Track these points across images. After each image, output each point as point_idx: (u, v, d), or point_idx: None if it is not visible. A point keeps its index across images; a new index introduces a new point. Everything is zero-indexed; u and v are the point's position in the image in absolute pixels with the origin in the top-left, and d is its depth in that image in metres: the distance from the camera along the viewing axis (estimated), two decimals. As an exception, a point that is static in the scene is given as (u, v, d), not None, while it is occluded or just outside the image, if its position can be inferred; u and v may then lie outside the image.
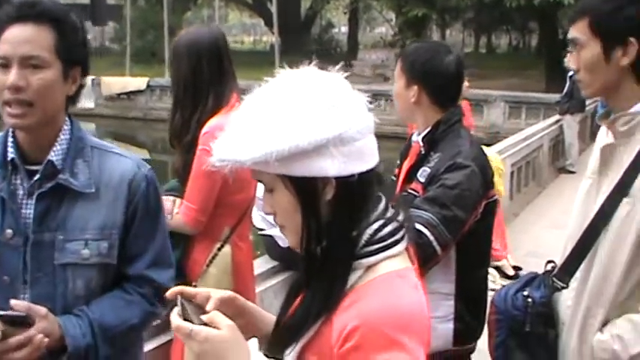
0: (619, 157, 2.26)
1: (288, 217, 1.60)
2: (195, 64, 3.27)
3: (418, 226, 2.65)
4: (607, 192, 2.26)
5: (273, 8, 30.37)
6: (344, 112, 1.51)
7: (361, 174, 1.54)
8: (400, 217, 1.62)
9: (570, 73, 14.11)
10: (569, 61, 2.35)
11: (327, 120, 1.49)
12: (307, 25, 45.27)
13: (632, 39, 2.16)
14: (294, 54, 31.11)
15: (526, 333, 2.42)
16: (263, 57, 34.44)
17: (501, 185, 7.19)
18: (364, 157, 1.55)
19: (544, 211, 9.84)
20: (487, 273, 3.21)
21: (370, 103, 1.58)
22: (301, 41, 41.38)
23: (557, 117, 13.87)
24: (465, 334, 2.96)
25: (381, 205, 1.61)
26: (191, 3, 46.66)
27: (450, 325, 2.92)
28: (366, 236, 1.55)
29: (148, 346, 3.18)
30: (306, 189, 1.54)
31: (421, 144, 2.96)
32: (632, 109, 2.23)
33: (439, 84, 2.93)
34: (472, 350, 3.07)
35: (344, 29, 56.74)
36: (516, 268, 7.46)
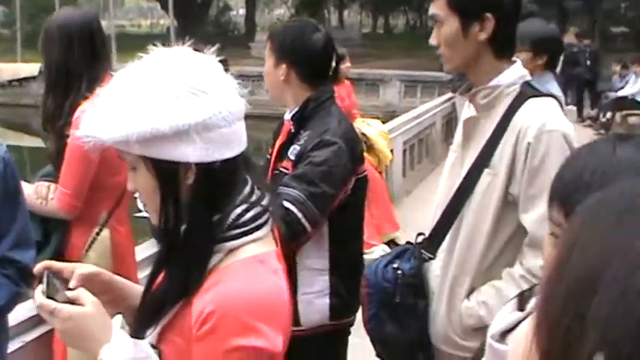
0: (480, 129, 2.35)
1: (148, 197, 1.60)
2: (67, 47, 3.21)
3: (286, 204, 2.68)
4: (470, 164, 2.35)
5: (169, -10, 29.97)
6: (210, 99, 1.51)
7: (225, 160, 1.54)
8: (265, 201, 1.64)
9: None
10: (432, 37, 2.39)
11: (191, 106, 1.48)
12: (204, 8, 44.69)
13: (488, 14, 2.24)
14: (190, 37, 30.65)
15: (396, 304, 2.48)
16: (160, 40, 33.50)
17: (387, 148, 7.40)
18: (230, 143, 1.55)
19: (437, 187, 9.82)
20: (361, 247, 3.26)
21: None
22: (198, 24, 40.84)
23: (450, 95, 14.11)
24: (342, 308, 2.99)
25: (247, 189, 1.62)
26: (84, -15, 45.60)
27: (327, 300, 2.96)
28: (228, 220, 1.56)
29: (31, 336, 3.14)
30: (166, 172, 1.54)
31: (291, 122, 3.00)
32: (492, 83, 2.31)
33: (307, 62, 2.97)
34: (351, 323, 3.11)
35: (242, 11, 56.42)
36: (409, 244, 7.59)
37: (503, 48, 2.33)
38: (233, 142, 1.56)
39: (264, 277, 1.55)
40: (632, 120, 16.49)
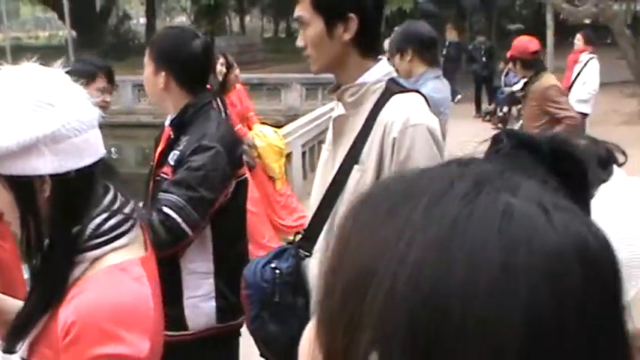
0: (350, 126, 2.39)
1: (9, 213, 1.59)
2: None
3: (165, 209, 2.70)
4: (341, 161, 2.39)
5: (65, 1, 29.34)
6: (57, 111, 1.50)
7: (80, 169, 1.54)
8: (128, 209, 1.65)
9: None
10: (299, 39, 2.43)
11: (37, 120, 1.48)
12: (103, 18, 43.95)
13: (351, 14, 2.28)
14: (89, 48, 30.25)
15: (276, 303, 2.49)
16: (58, 52, 33.07)
17: (276, 162, 7.38)
18: (83, 153, 1.55)
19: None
20: (246, 249, 3.29)
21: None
22: (97, 34, 40.23)
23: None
24: (229, 310, 3.01)
25: (108, 197, 1.62)
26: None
27: (213, 303, 2.98)
28: (89, 230, 1.56)
29: None
30: (21, 187, 1.53)
31: (170, 128, 3.02)
32: (358, 81, 2.36)
33: (186, 68, 2.97)
34: (240, 326, 3.11)
35: (142, 20, 55.73)
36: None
37: (368, 47, 2.37)
38: (86, 151, 1.56)
39: (126, 284, 1.55)
40: (527, 114, 17.00)
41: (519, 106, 16.76)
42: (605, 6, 15.34)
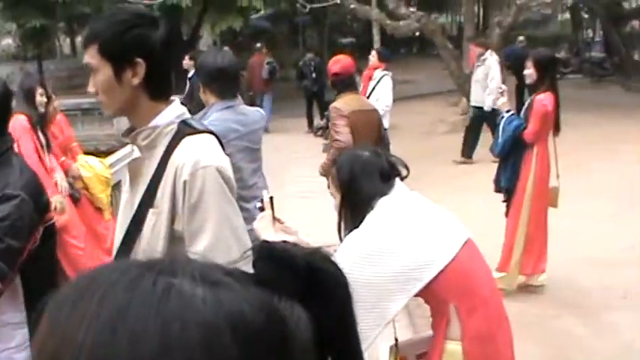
0: (145, 170, 2.41)
1: None
2: None
3: None
4: (137, 204, 2.41)
5: None
6: None
7: None
8: None
9: (190, 75, 14.54)
10: (90, 85, 2.41)
11: None
12: None
13: (139, 59, 2.30)
14: None
15: None
16: None
17: (103, 193, 7.27)
18: None
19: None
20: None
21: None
22: None
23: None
24: None
25: None
26: None
27: (27, 353, 2.92)
28: None
29: None
30: None
31: None
32: (151, 124, 2.38)
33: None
34: None
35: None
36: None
37: (158, 90, 2.40)
38: None
39: None
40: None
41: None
42: (427, 21, 16.01)
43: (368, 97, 10.42)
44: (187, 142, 2.36)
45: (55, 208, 6.57)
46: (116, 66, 2.31)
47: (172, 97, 2.49)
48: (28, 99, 6.45)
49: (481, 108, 12.79)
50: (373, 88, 10.85)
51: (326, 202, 6.19)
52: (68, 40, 52.19)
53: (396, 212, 3.10)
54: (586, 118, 16.46)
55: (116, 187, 8.07)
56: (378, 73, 11.05)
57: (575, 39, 34.53)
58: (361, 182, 3.14)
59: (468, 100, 14.08)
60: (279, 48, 37.28)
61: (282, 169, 12.20)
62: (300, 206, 9.63)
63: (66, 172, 6.85)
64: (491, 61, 12.83)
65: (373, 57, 11.61)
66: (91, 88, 2.41)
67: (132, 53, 2.30)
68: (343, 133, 6.18)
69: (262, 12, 22.04)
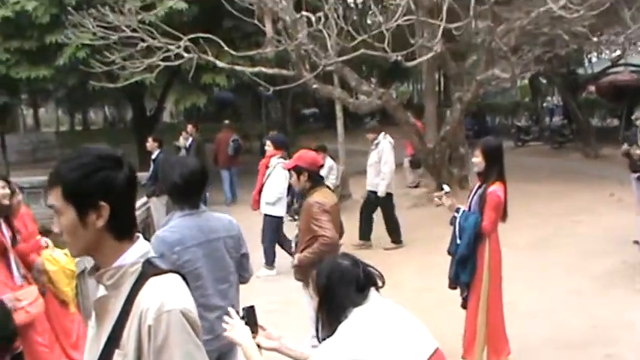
0: (111, 308, 2.40)
1: None
2: None
3: None
4: (104, 343, 2.39)
5: None
6: None
7: None
8: None
9: (153, 156, 14.57)
10: (54, 225, 2.41)
11: None
12: None
13: (102, 202, 2.32)
14: None
15: None
16: None
17: (68, 286, 7.20)
18: None
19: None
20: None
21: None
22: None
23: (144, 199, 14.18)
24: None
25: None
26: None
27: None
28: None
29: None
30: None
31: None
32: (115, 264, 2.39)
33: None
34: None
35: None
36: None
37: (122, 230, 2.42)
38: None
39: None
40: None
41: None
42: (389, 97, 16.24)
43: (262, 185, 11.29)
44: (152, 283, 2.37)
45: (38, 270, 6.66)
46: (80, 210, 2.33)
47: (136, 234, 2.50)
48: (-11, 193, 6.45)
49: (375, 192, 12.86)
50: (269, 175, 11.36)
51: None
52: (31, 111, 52.14)
53: (368, 324, 3.29)
54: (548, 187, 16.77)
55: (80, 276, 8.05)
56: (274, 161, 11.46)
57: (535, 106, 35.19)
58: (338, 291, 3.34)
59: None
60: (242, 120, 37.54)
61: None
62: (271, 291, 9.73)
63: (30, 267, 6.84)
64: (385, 144, 12.88)
65: (269, 146, 11.83)
66: (55, 229, 2.42)
67: (95, 197, 2.33)
68: (329, 229, 6.33)
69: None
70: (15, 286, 6.32)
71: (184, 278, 2.50)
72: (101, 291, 2.50)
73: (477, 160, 6.58)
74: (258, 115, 38.21)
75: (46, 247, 7.07)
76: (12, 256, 6.53)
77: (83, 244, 2.39)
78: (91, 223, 2.33)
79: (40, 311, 6.47)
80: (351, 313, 3.29)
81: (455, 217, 6.60)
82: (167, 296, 2.33)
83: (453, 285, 6.86)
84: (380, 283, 3.46)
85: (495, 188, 6.48)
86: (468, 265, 6.56)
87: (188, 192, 4.56)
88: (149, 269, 2.41)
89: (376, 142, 12.98)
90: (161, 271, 2.43)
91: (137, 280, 2.38)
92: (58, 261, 7.13)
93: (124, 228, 2.43)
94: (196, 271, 4.40)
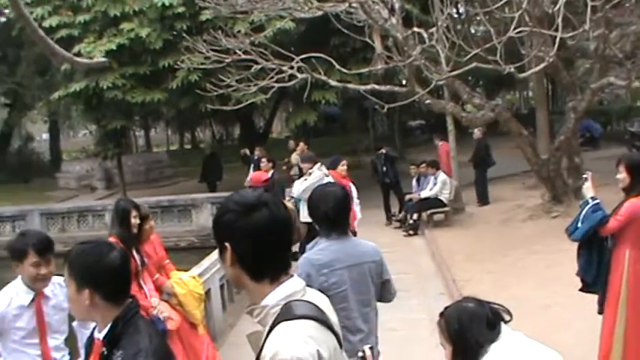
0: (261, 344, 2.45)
1: None
2: None
3: None
4: None
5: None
6: None
7: None
8: None
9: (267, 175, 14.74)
10: None
11: None
12: (5, 139, 43.35)
13: (226, 244, 2.48)
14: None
15: None
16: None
17: (197, 309, 7.33)
18: None
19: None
20: None
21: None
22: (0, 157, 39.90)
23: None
24: None
25: None
26: None
27: None
28: None
29: None
30: None
31: (103, 343, 3.03)
32: (262, 302, 2.49)
33: (108, 282, 3.01)
34: None
35: (45, 136, 55.25)
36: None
37: (256, 271, 2.50)
38: None
39: None
40: (437, 217, 17.51)
41: (429, 211, 17.27)
42: (502, 109, 16.04)
43: None
44: (279, 329, 2.39)
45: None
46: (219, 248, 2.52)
47: (284, 276, 2.55)
48: (123, 221, 6.68)
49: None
50: None
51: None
52: (143, 132, 53.73)
53: (510, 356, 3.32)
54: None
55: (206, 296, 8.21)
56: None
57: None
58: (471, 332, 3.37)
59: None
60: (349, 134, 37.65)
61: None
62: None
63: (160, 290, 7.05)
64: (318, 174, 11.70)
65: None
66: None
67: (221, 239, 2.51)
68: None
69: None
70: (151, 307, 6.57)
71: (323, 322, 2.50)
72: (255, 326, 2.57)
73: (622, 175, 6.39)
74: (365, 129, 38.22)
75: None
76: (143, 280, 6.76)
77: (229, 277, 2.60)
78: (224, 260, 2.52)
79: (177, 326, 6.72)
80: (489, 350, 3.33)
81: (587, 202, 6.42)
82: (284, 345, 2.33)
83: (585, 288, 6.72)
84: (507, 318, 3.49)
85: (636, 201, 6.27)
86: (590, 266, 6.49)
87: (338, 221, 4.68)
88: (285, 313, 2.44)
89: (310, 171, 11.93)
90: (293, 317, 2.43)
91: (272, 323, 2.42)
92: (186, 284, 7.31)
93: (258, 269, 2.50)
94: (342, 294, 4.48)
